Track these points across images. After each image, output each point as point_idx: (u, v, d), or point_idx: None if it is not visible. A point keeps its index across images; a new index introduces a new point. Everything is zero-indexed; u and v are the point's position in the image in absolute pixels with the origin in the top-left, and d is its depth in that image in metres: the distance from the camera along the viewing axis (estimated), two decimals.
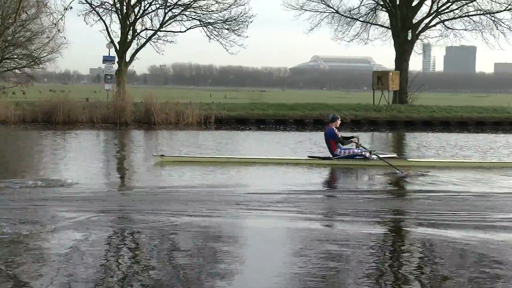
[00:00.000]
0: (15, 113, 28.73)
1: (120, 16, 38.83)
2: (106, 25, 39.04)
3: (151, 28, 39.13)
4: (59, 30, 37.03)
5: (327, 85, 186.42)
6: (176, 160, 15.10)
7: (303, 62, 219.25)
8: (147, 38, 39.36)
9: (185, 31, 38.90)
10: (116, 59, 37.84)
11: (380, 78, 34.52)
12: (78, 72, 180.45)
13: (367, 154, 14.88)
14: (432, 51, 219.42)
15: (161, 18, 38.98)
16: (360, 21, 39.56)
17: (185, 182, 12.42)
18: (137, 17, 38.43)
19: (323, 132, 15.53)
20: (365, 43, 41.66)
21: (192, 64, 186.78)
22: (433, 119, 31.27)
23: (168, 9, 38.36)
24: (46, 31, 49.22)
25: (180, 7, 38.36)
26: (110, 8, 39.24)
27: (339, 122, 15.29)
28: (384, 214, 9.38)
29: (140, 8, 38.63)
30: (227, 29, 37.74)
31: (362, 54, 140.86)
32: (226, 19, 37.55)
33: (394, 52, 38.49)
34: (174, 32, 39.11)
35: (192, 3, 37.93)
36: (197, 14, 38.88)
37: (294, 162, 15.08)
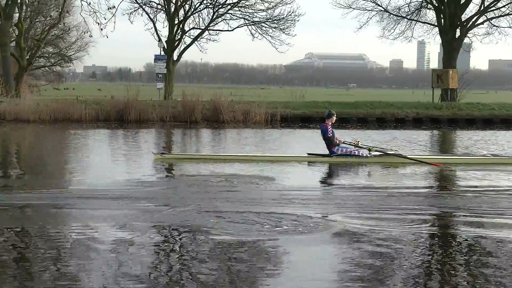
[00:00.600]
0: (88, 112, 28.78)
1: (167, 15, 38.92)
2: (154, 24, 39.17)
3: (198, 27, 39.29)
4: (101, 29, 37.49)
5: (322, 82, 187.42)
6: (175, 158, 15.37)
7: (297, 59, 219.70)
8: (193, 37, 39.52)
9: (232, 30, 39.13)
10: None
11: (439, 76, 34.97)
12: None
13: (365, 154, 14.99)
14: (427, 48, 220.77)
15: (208, 17, 39.17)
16: (408, 19, 39.89)
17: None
18: (188, 15, 38.51)
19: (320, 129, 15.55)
20: (409, 41, 42.02)
21: (188, 61, 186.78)
22: (494, 116, 31.59)
23: (216, 8, 38.48)
24: (74, 29, 49.19)
25: (226, 6, 38.53)
26: (156, 7, 39.35)
27: (334, 118, 15.40)
28: (433, 211, 9.39)
29: (189, 7, 38.74)
30: (275, 27, 37.94)
31: (357, 51, 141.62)
32: (275, 18, 37.77)
33: (441, 50, 38.86)
34: (221, 31, 39.31)
35: (239, 2, 38.09)
36: (243, 13, 39.10)
37: (294, 159, 15.19)
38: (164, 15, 39.33)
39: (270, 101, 32.65)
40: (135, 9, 40.26)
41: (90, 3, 37.42)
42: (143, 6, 39.03)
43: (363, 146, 15.34)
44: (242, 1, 38.02)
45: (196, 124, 28.56)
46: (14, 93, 36.09)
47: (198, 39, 39.29)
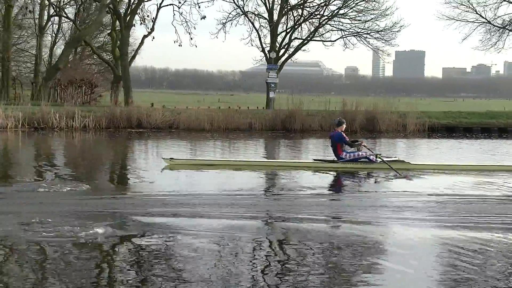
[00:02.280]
0: (253, 121, 28.93)
1: (270, 24, 39.16)
2: (258, 33, 39.41)
3: (300, 37, 39.64)
4: (191, 38, 37.50)
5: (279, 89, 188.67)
6: (185, 163, 15.50)
7: (254, 65, 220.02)
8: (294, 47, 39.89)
9: (335, 41, 39.64)
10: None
11: None
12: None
13: (372, 157, 15.23)
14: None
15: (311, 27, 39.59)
16: (509, 30, 41.17)
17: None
18: (296, 25, 38.84)
19: (330, 136, 15.87)
20: (499, 52, 43.32)
21: (148, 66, 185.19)
22: None
23: (322, 19, 38.92)
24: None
25: (333, 17, 39.03)
26: (256, 17, 39.57)
27: (344, 126, 15.66)
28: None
29: (299, 17, 39.08)
30: (377, 38, 38.64)
31: (312, 58, 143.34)
32: (380, 30, 38.46)
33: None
34: (325, 41, 39.76)
35: (345, 13, 38.64)
36: (341, 24, 39.71)
37: (300, 165, 15.45)
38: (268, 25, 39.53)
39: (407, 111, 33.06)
40: (228, 19, 40.38)
41: (182, 13, 37.62)
42: (249, 15, 39.19)
43: (371, 150, 15.72)
44: (351, 12, 38.55)
45: (355, 134, 28.88)
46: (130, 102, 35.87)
47: (300, 49, 39.69)
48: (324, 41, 39.82)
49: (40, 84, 36.73)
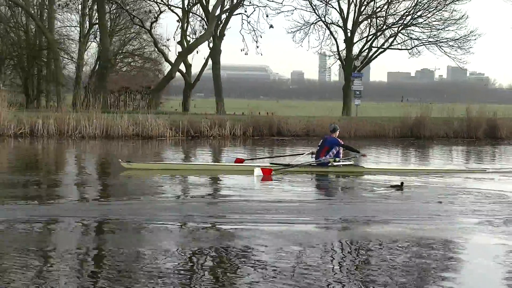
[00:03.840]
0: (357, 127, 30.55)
1: (346, 33, 40.98)
2: (336, 42, 41.09)
3: (376, 46, 41.59)
4: (257, 46, 39.15)
5: (227, 94, 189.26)
6: (142, 168, 15.48)
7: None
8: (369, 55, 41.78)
9: (411, 49, 41.65)
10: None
11: None
12: None
13: (329, 162, 15.51)
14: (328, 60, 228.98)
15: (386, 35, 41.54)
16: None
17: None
18: (378, 34, 40.67)
19: (322, 139, 16.17)
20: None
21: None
22: None
23: (400, 27, 40.93)
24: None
25: (410, 26, 41.07)
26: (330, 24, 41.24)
27: (338, 132, 16.15)
28: None
29: (382, 25, 40.89)
30: (453, 46, 40.77)
31: (259, 62, 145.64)
32: (456, 38, 40.61)
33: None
34: (400, 49, 41.83)
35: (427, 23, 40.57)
36: (412, 32, 41.76)
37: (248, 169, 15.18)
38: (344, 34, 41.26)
39: None
40: (300, 28, 42.01)
41: (249, 22, 39.28)
42: (328, 24, 40.88)
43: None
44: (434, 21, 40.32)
45: (480, 141, 30.38)
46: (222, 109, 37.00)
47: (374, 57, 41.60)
48: (399, 49, 41.79)
49: (150, 92, 37.41)
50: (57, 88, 35.60)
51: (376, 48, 41.43)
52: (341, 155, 15.73)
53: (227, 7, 39.57)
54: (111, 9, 43.49)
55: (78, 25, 43.07)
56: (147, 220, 9.29)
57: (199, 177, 14.81)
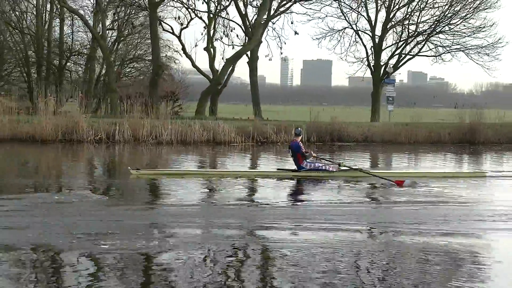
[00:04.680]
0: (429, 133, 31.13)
1: (374, 40, 41.85)
2: (366, 49, 41.88)
3: (404, 53, 42.52)
4: (281, 52, 39.94)
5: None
6: (151, 174, 15.60)
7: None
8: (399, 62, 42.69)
9: (438, 56, 42.60)
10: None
11: None
12: None
13: (330, 168, 15.81)
14: (290, 64, 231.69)
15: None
16: None
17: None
18: (410, 40, 41.52)
19: (290, 145, 16.30)
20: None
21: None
22: None
23: (429, 36, 41.89)
24: None
25: (437, 34, 42.07)
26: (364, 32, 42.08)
27: (301, 137, 16.44)
28: None
29: (413, 32, 41.77)
30: (480, 53, 41.68)
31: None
32: (484, 46, 41.54)
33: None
34: (428, 56, 42.80)
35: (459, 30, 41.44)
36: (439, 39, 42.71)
37: (263, 174, 16.26)
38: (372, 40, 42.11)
39: None
40: (327, 33, 42.74)
41: (274, 29, 40.05)
42: (357, 31, 41.69)
43: (334, 161, 16.69)
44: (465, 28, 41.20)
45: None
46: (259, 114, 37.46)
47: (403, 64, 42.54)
48: (428, 56, 42.70)
49: (200, 97, 37.56)
50: (112, 95, 35.37)
51: (404, 55, 42.21)
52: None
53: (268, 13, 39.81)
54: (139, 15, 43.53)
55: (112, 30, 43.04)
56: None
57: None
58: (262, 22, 38.04)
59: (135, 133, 27.14)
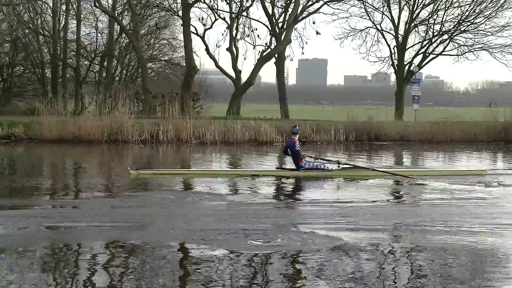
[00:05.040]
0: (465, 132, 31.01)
1: (397, 40, 41.92)
2: (390, 48, 41.95)
3: (427, 52, 42.58)
4: (302, 52, 39.91)
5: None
6: (151, 174, 15.30)
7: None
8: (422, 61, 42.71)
9: (461, 54, 42.68)
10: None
11: None
12: None
13: (329, 167, 15.40)
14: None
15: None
16: None
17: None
18: (434, 39, 41.54)
19: (287, 145, 15.85)
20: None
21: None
22: None
23: (452, 34, 41.96)
24: None
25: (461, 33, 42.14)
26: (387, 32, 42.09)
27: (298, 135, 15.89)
28: None
29: (438, 31, 41.82)
30: (503, 51, 41.74)
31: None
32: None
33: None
34: (452, 55, 42.87)
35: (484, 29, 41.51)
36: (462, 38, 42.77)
37: (265, 173, 15.61)
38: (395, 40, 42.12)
39: None
40: (347, 35, 42.79)
41: (296, 29, 39.99)
42: (381, 30, 41.73)
43: (332, 160, 16.17)
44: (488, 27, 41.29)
45: None
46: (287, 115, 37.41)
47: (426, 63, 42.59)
48: (451, 55, 42.74)
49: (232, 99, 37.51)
50: (146, 96, 35.18)
51: (428, 54, 42.26)
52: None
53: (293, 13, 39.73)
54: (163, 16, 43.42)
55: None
56: None
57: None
58: (292, 22, 37.95)
59: (177, 134, 27.00)
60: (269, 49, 40.42)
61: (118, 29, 42.62)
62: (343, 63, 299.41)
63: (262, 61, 38.74)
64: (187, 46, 36.11)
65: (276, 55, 39.60)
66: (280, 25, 40.97)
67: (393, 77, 41.98)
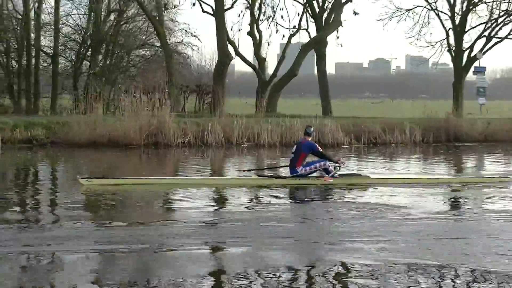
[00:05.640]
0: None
1: (454, 22, 37.15)
2: (447, 32, 37.32)
3: (491, 36, 37.65)
4: (337, 37, 35.16)
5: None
6: (104, 184, 12.68)
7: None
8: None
9: None
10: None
11: None
12: None
13: (331, 168, 13.31)
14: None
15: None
16: None
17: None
18: (497, 22, 36.70)
19: (296, 144, 13.68)
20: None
21: None
22: None
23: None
24: None
25: None
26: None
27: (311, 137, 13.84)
28: None
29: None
30: None
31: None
32: None
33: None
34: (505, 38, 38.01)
35: None
36: None
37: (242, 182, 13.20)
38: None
39: None
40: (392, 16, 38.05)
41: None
42: (435, 10, 36.96)
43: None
44: None
45: None
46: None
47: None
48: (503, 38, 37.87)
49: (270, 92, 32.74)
50: (172, 89, 29.35)
51: (491, 38, 37.20)
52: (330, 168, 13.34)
53: None
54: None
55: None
56: None
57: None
58: (341, 3, 33.12)
59: (226, 135, 22.75)
60: (310, 35, 35.59)
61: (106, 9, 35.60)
62: (334, 48, 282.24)
63: (307, 47, 33.90)
64: (220, 29, 30.98)
65: (315, 40, 34.56)
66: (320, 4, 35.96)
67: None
